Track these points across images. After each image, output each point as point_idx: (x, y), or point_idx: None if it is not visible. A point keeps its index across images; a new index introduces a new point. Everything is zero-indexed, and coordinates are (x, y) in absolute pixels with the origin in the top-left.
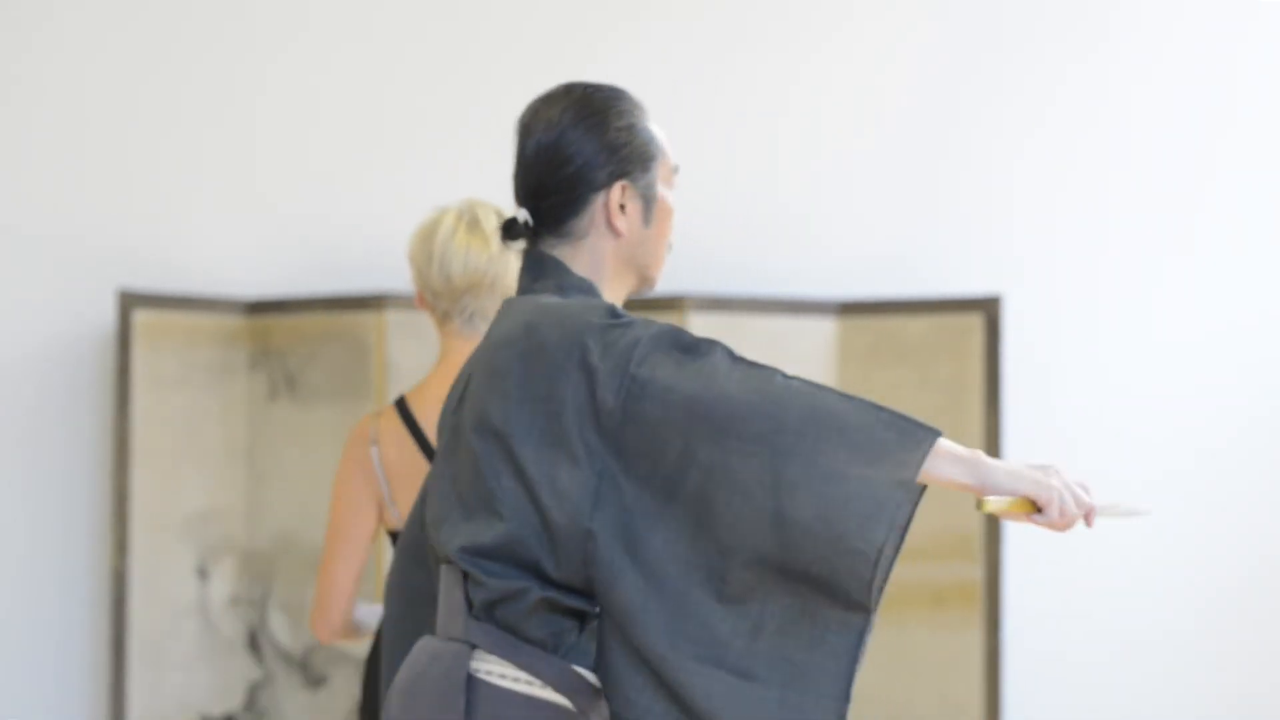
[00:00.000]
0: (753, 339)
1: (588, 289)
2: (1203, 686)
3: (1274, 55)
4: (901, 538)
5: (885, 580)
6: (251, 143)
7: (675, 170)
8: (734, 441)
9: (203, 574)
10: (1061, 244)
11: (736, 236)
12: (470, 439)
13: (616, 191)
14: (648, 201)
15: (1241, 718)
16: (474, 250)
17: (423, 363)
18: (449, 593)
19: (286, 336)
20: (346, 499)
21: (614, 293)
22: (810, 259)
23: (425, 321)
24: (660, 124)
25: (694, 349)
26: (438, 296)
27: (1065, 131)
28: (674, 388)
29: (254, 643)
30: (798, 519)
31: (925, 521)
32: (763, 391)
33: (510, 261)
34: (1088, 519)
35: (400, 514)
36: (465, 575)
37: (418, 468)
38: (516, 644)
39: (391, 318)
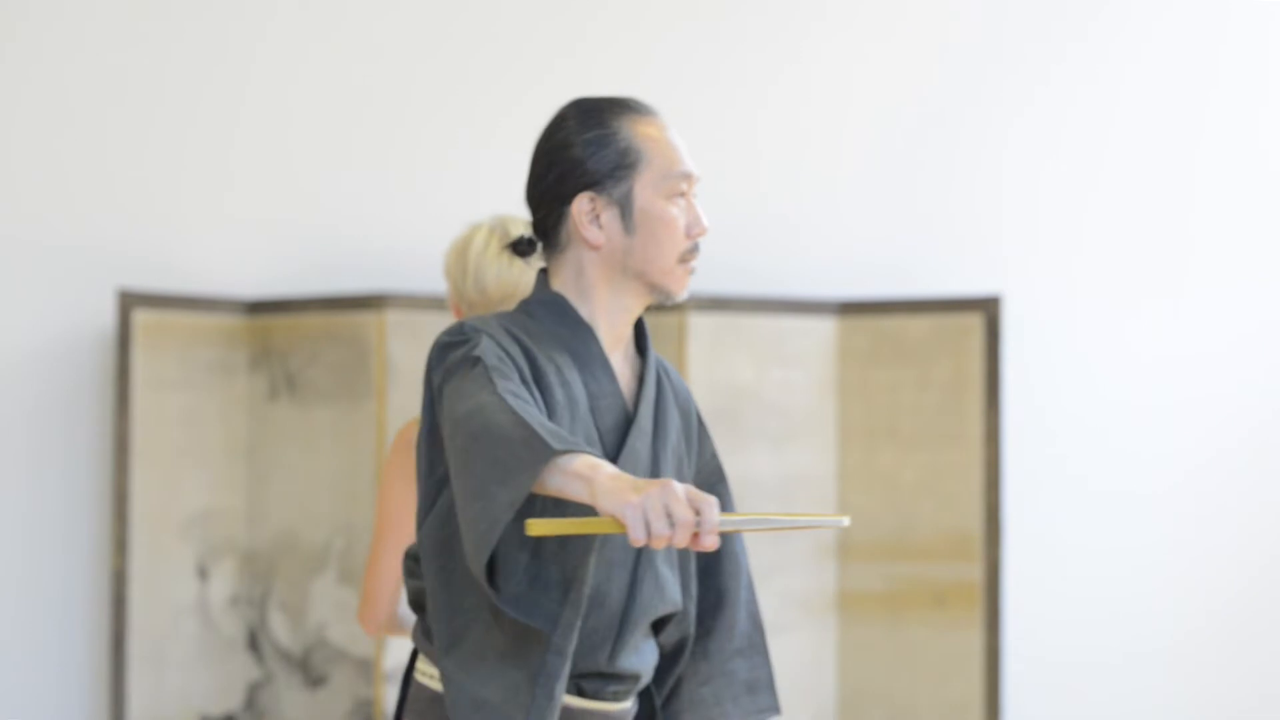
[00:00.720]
0: (752, 339)
1: (550, 302)
2: (1202, 687)
3: None
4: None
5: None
6: (254, 144)
7: (686, 177)
8: (451, 458)
9: (203, 574)
10: (1061, 244)
11: (736, 236)
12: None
13: (583, 202)
14: (625, 210)
15: (1242, 705)
16: (505, 263)
17: (423, 363)
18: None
19: (287, 337)
20: (396, 497)
21: (610, 303)
22: (810, 259)
23: (425, 321)
24: (677, 131)
25: (453, 370)
26: (473, 307)
27: (1066, 132)
28: (447, 410)
29: (254, 642)
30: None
31: (926, 521)
32: (466, 413)
33: None
34: (698, 540)
35: None
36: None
37: None
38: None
39: (392, 318)
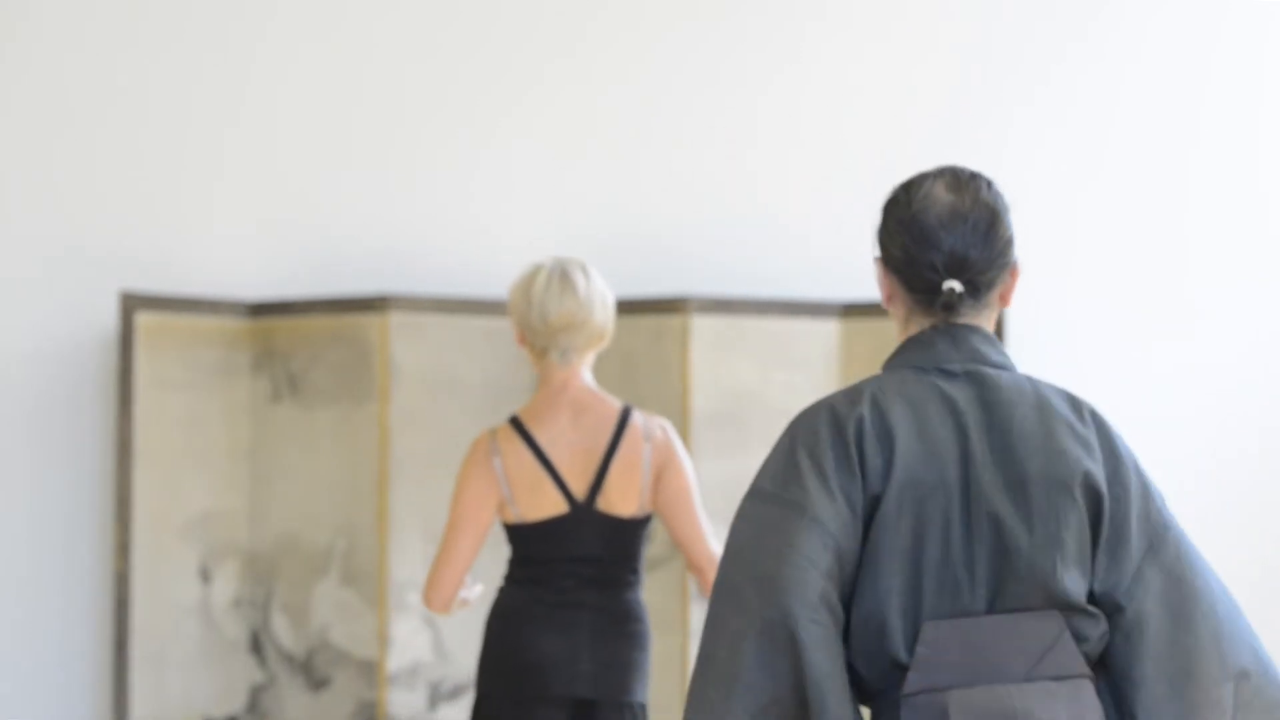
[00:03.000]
0: (756, 341)
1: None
2: None
3: None
4: None
5: None
6: (255, 145)
7: None
8: None
9: (205, 576)
10: (1066, 246)
11: (740, 239)
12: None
13: (1015, 269)
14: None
15: None
16: (566, 297)
17: (425, 364)
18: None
19: (289, 338)
20: (472, 495)
21: None
22: (813, 261)
23: (428, 323)
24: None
25: None
26: (537, 335)
27: (1068, 136)
28: None
29: (256, 644)
30: None
31: None
32: None
33: (595, 308)
34: None
35: (520, 512)
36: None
37: (536, 475)
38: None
39: (394, 319)
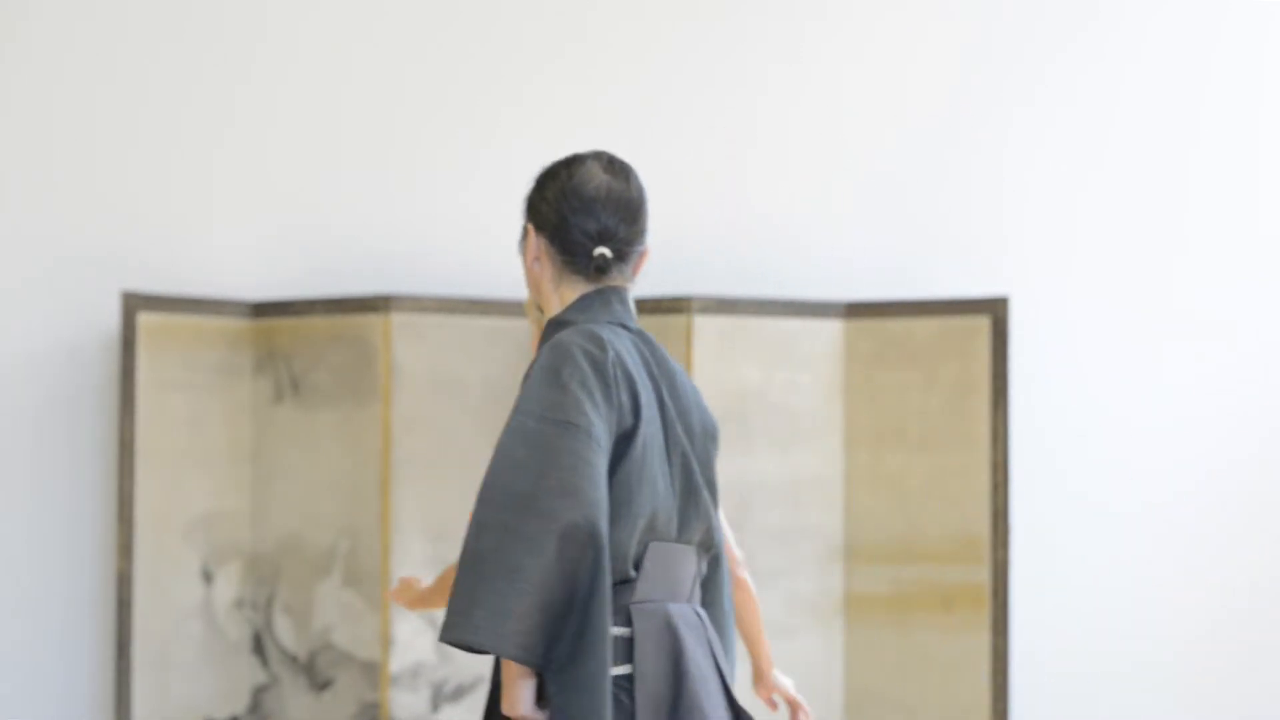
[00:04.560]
0: (759, 341)
1: None
2: (1208, 690)
3: None
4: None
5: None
6: (257, 145)
7: None
8: None
9: (207, 577)
10: (1068, 245)
11: (742, 238)
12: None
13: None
14: None
15: (1243, 707)
16: None
17: (429, 365)
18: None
19: (291, 339)
20: None
21: None
22: (816, 261)
23: (430, 324)
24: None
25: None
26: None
27: (1068, 135)
28: None
29: (259, 646)
30: None
31: (932, 524)
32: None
33: None
34: None
35: None
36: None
37: None
38: None
39: (397, 320)
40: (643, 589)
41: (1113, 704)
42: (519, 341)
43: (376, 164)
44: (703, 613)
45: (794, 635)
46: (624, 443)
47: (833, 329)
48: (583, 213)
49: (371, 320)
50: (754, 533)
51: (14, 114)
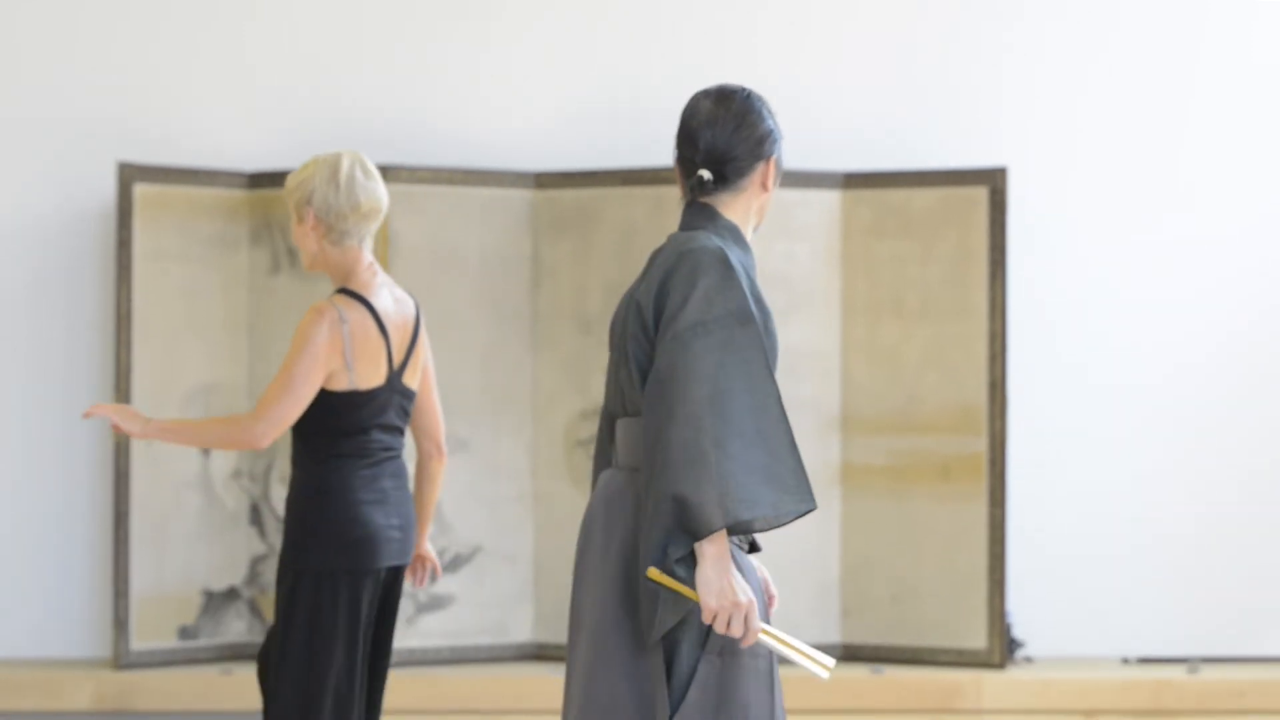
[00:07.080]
0: None
1: (733, 228)
2: (1198, 558)
3: None
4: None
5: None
6: (252, 15)
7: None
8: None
9: (204, 448)
10: (1069, 117)
11: None
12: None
13: (775, 160)
14: (776, 173)
15: (1232, 588)
16: (372, 184)
17: (423, 234)
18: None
19: (287, 210)
20: (314, 356)
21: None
22: (813, 131)
23: (425, 194)
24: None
25: (721, 319)
26: (341, 218)
27: (1077, 6)
28: (711, 351)
29: (256, 516)
30: None
31: (930, 395)
32: (749, 385)
33: (385, 196)
34: (746, 639)
35: (356, 378)
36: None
37: (377, 345)
38: None
39: (392, 189)
40: (622, 457)
41: (1108, 576)
42: (516, 212)
43: (379, 35)
44: None
45: None
46: None
47: (830, 199)
48: (686, 142)
49: None
50: None
51: None
